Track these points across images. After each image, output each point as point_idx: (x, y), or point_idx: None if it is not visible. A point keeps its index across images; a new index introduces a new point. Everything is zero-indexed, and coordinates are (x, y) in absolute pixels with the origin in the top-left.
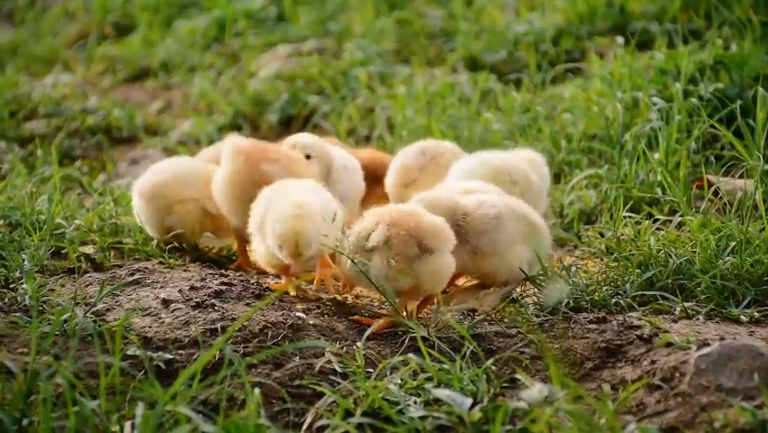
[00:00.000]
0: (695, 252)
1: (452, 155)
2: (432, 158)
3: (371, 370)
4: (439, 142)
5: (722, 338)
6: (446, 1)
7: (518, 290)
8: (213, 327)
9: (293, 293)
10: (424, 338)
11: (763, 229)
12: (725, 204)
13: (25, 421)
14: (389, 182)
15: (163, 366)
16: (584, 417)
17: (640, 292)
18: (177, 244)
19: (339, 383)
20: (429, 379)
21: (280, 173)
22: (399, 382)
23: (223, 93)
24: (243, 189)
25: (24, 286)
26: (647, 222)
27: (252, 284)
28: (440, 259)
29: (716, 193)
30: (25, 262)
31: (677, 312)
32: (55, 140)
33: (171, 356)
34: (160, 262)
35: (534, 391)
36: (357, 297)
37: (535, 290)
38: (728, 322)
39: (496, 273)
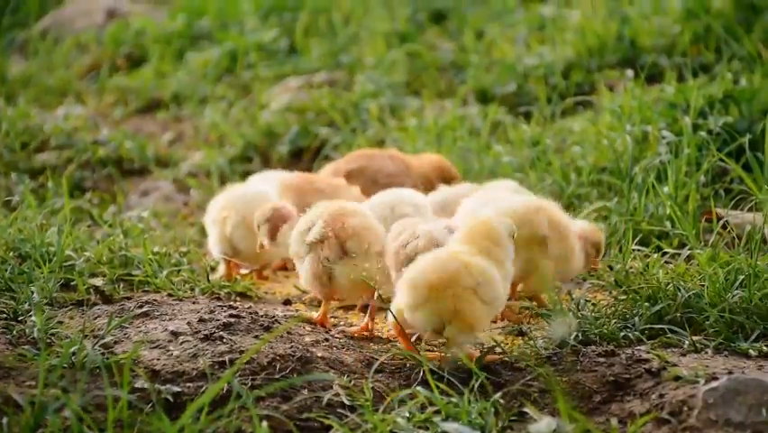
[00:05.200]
0: (704, 285)
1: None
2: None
3: (380, 403)
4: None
5: (730, 372)
6: (457, 34)
7: (527, 323)
8: (221, 359)
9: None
10: (432, 371)
11: None
12: (733, 237)
13: None
14: None
15: (171, 399)
16: None
17: (648, 326)
18: None
19: (347, 416)
20: (437, 412)
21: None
22: (407, 415)
23: (234, 124)
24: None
25: (33, 318)
26: (656, 255)
27: (261, 316)
28: (358, 263)
29: (724, 227)
30: (34, 295)
31: (685, 346)
32: (66, 171)
33: (179, 389)
34: (169, 295)
35: (543, 424)
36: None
37: (544, 323)
38: (737, 356)
39: None
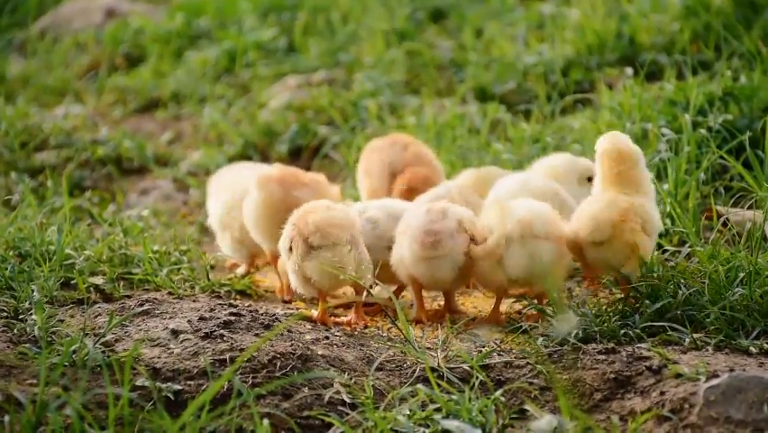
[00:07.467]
0: (704, 283)
1: None
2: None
3: (380, 401)
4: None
5: (731, 370)
6: (456, 32)
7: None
8: (222, 357)
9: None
10: (433, 369)
11: None
12: (734, 235)
13: None
14: None
15: (172, 397)
16: None
17: (649, 323)
18: None
19: (348, 414)
20: (438, 410)
21: (309, 197)
22: (408, 412)
23: (233, 123)
24: (277, 215)
25: (34, 317)
26: (656, 253)
27: (261, 314)
28: (325, 255)
29: (725, 224)
30: (35, 293)
31: (686, 343)
32: (65, 170)
33: (180, 387)
34: (170, 293)
35: (544, 422)
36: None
37: (545, 320)
38: (738, 353)
39: None
